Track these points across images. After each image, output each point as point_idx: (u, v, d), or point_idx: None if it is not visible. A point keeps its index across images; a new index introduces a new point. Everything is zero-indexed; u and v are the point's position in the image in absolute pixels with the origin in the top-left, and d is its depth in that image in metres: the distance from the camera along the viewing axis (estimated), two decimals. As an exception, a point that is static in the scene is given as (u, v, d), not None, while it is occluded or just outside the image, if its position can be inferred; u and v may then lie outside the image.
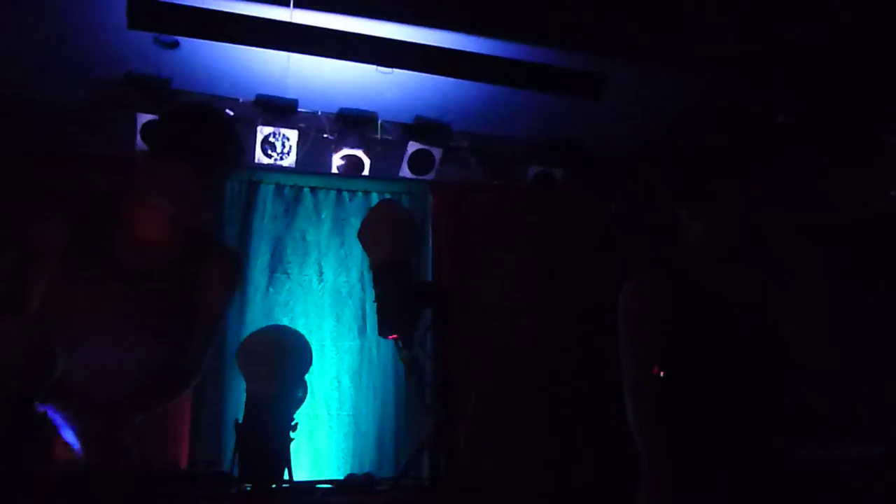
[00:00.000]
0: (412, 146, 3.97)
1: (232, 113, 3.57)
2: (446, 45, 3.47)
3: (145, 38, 3.30)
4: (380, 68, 3.56)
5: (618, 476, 2.18)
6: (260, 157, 3.75)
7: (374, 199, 3.84)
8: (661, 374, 1.86)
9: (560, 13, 3.35)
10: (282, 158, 3.78)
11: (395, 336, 2.48)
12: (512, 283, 3.67)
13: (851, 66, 3.27)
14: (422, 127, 3.99)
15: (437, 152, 3.98)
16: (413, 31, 3.43)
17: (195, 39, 3.27)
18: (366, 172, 3.94)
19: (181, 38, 3.38)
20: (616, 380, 1.95)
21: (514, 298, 3.62)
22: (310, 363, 1.95)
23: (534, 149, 4.14)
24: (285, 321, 3.55)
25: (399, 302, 2.43)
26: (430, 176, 3.99)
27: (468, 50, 3.46)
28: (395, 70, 3.57)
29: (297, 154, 3.79)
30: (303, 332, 2.05)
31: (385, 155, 4.01)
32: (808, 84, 3.45)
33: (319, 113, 3.92)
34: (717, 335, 1.92)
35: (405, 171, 3.99)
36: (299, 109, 3.80)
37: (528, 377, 3.51)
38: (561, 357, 3.61)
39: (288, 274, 3.71)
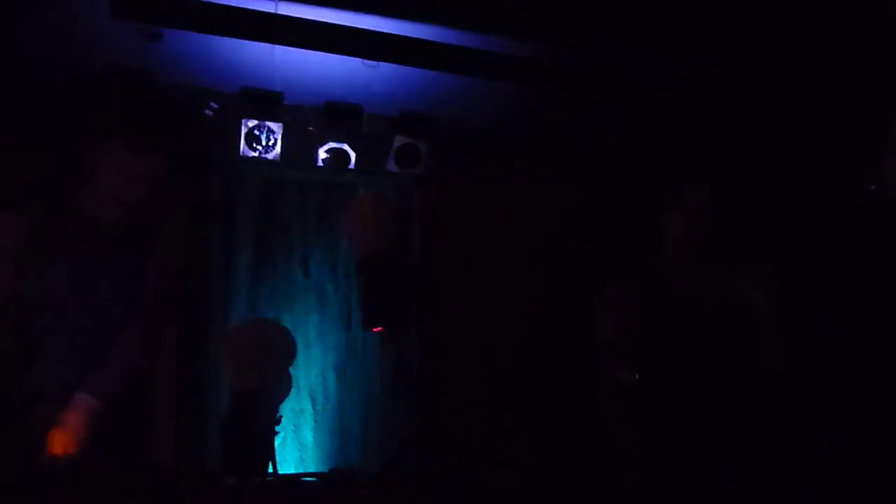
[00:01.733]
0: (398, 140, 3.95)
1: (216, 105, 3.55)
2: (433, 39, 3.47)
3: (128, 29, 3.27)
4: (366, 61, 3.55)
5: (605, 467, 2.20)
6: (245, 150, 3.72)
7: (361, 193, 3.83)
8: (637, 377, 1.89)
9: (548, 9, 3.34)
10: (267, 152, 3.75)
11: (379, 329, 2.48)
12: (499, 276, 3.68)
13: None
14: (408, 121, 3.98)
15: (423, 146, 3.97)
16: (399, 25, 3.42)
17: (179, 31, 3.24)
18: (351, 166, 3.92)
19: (165, 30, 3.35)
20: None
21: (502, 291, 3.63)
22: (294, 357, 1.95)
23: (519, 142, 4.13)
24: (270, 315, 3.54)
25: (384, 295, 2.42)
26: (417, 170, 3.97)
27: (454, 43, 3.45)
28: (380, 63, 3.56)
29: (283, 147, 3.77)
30: (288, 326, 2.04)
31: (371, 149, 3.99)
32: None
33: (305, 106, 3.89)
34: (684, 347, 1.94)
35: (391, 166, 3.97)
36: (285, 102, 3.78)
37: (514, 370, 3.52)
38: (548, 349, 3.63)
39: (273, 268, 3.70)
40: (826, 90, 3.28)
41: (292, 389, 1.93)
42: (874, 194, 1.90)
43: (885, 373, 1.71)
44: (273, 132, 3.75)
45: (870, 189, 1.93)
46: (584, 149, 4.11)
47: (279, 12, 3.18)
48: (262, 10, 3.15)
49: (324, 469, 3.10)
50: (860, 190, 1.93)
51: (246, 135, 3.72)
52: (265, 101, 3.73)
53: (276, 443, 1.88)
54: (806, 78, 3.34)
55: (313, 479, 2.41)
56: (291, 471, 2.75)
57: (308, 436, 3.55)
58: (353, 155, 3.93)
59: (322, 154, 3.90)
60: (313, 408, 3.59)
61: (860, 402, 1.77)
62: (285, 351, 1.91)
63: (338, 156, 3.93)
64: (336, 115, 3.87)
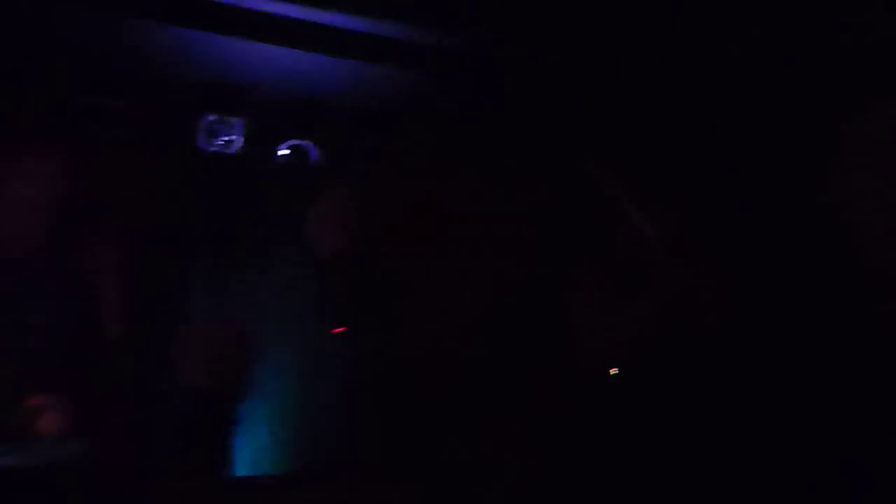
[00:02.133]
0: (361, 135, 3.93)
1: (176, 99, 3.47)
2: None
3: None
4: (332, 57, 3.51)
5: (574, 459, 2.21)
6: (204, 144, 3.65)
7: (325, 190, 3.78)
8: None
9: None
10: (227, 146, 3.69)
11: (343, 329, 2.46)
12: (465, 271, 3.67)
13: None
14: (371, 116, 3.96)
15: (386, 140, 3.96)
16: (372, 23, 3.39)
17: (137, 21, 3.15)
18: (314, 161, 3.88)
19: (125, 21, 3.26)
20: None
21: (468, 287, 3.61)
22: (256, 358, 1.92)
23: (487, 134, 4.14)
24: (231, 315, 3.48)
25: (348, 294, 2.41)
26: (379, 164, 3.95)
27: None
28: (347, 59, 3.53)
29: (243, 142, 3.70)
30: (249, 326, 2.01)
31: (334, 144, 3.96)
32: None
33: (267, 100, 3.83)
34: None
35: (353, 160, 3.95)
36: (246, 97, 3.71)
37: (478, 366, 3.50)
38: (512, 344, 3.62)
39: (234, 267, 3.64)
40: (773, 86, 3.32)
41: (252, 390, 1.90)
42: (828, 204, 1.94)
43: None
44: (233, 127, 3.69)
45: (824, 199, 1.96)
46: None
47: (241, 5, 3.12)
48: (222, 1, 3.09)
49: (283, 470, 3.06)
50: (813, 200, 1.96)
51: (205, 129, 3.65)
52: (226, 95, 3.66)
53: (235, 444, 1.85)
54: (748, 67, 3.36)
55: (272, 480, 2.39)
56: (249, 472, 2.71)
57: (267, 437, 3.50)
58: (315, 151, 3.88)
59: (283, 150, 3.85)
60: (273, 409, 3.55)
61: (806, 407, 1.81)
62: (246, 351, 1.88)
63: (299, 152, 3.88)
64: (299, 109, 3.83)
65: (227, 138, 3.67)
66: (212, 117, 3.61)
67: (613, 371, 1.95)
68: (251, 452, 3.42)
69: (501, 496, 2.29)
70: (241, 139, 3.69)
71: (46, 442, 1.64)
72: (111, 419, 3.18)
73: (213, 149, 3.65)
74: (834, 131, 1.87)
